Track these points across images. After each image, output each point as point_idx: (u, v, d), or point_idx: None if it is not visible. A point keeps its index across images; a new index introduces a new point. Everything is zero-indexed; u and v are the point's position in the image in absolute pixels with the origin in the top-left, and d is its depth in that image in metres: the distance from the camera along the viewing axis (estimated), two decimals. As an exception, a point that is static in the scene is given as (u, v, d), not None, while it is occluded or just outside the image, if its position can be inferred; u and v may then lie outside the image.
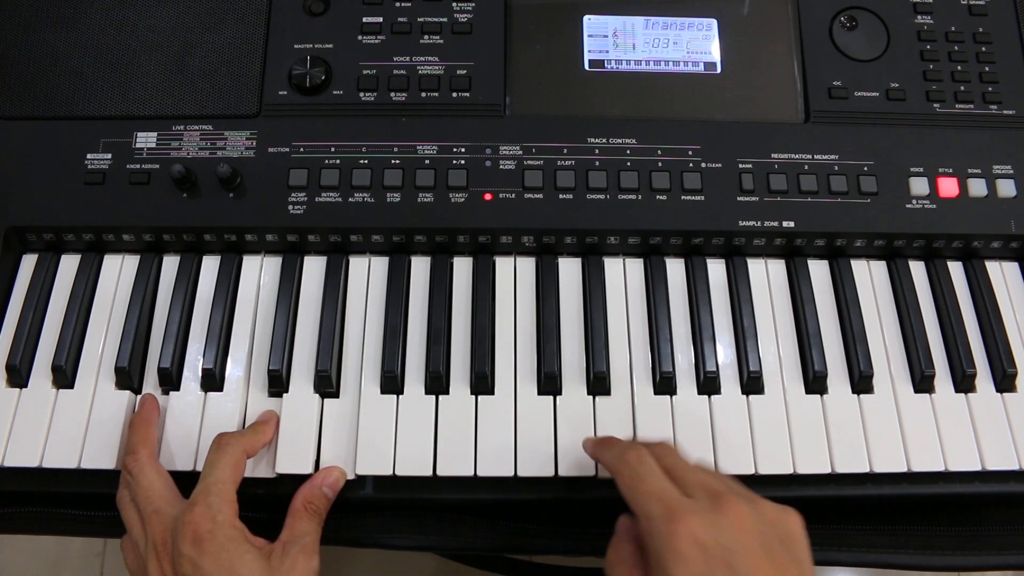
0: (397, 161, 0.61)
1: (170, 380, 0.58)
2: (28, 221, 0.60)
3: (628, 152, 0.62)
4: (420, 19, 0.65)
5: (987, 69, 0.66)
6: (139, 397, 0.58)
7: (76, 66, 0.64)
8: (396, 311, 0.60)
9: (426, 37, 0.65)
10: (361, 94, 0.63)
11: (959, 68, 0.66)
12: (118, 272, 0.62)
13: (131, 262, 0.62)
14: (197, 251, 0.62)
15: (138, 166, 0.62)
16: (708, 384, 0.58)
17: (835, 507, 0.59)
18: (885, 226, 0.61)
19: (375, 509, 0.57)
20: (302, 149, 0.62)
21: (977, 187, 0.62)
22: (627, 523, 0.48)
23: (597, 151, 0.62)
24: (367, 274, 0.62)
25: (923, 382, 0.59)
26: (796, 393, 0.59)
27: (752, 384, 0.58)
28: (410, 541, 0.56)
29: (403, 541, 0.56)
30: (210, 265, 0.62)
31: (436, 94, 0.63)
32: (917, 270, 0.64)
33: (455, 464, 0.55)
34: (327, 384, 0.57)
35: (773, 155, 0.63)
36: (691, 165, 0.62)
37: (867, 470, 0.56)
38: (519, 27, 0.66)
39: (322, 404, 0.57)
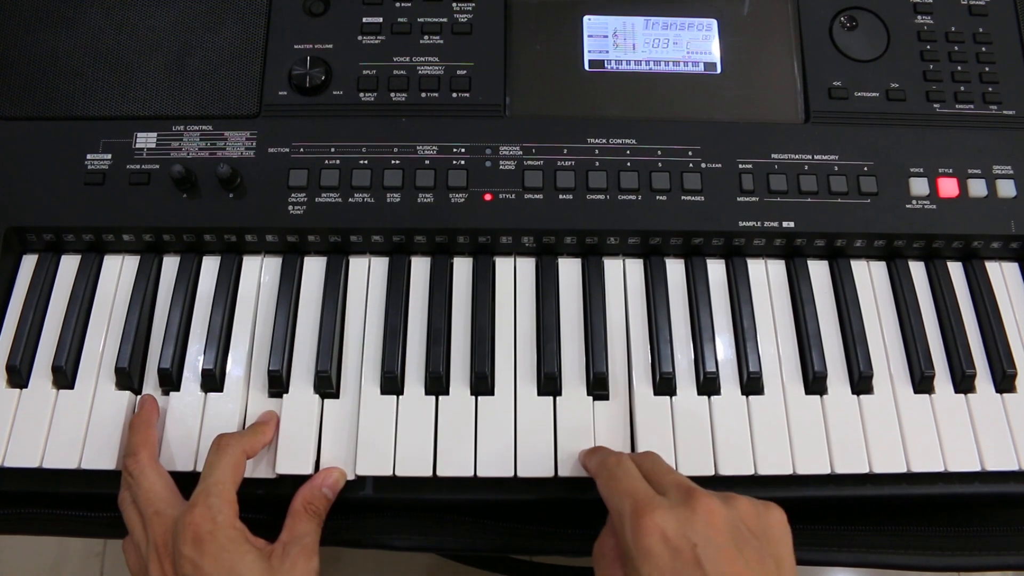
0: (397, 161, 0.61)
1: (170, 381, 0.58)
2: (28, 221, 0.60)
3: (628, 152, 0.62)
4: (420, 19, 0.65)
5: (987, 69, 0.66)
6: (139, 398, 0.58)
7: (76, 66, 0.64)
8: (396, 311, 0.60)
9: (426, 37, 0.65)
10: (361, 94, 0.63)
11: (959, 68, 0.66)
12: (118, 272, 0.62)
13: (131, 262, 0.62)
14: (197, 251, 0.62)
15: (138, 166, 0.62)
16: (708, 385, 0.58)
17: (835, 507, 0.59)
18: (885, 226, 0.61)
19: (375, 510, 0.57)
20: (302, 149, 0.62)
21: (977, 187, 0.62)
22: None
23: (597, 151, 0.62)
24: (367, 274, 0.62)
25: (923, 383, 0.59)
26: (796, 394, 0.59)
27: (752, 385, 0.58)
28: (410, 542, 0.57)
29: (403, 542, 0.56)
30: (210, 265, 0.62)
31: (436, 94, 0.63)
32: (917, 270, 0.64)
33: (455, 465, 0.55)
34: (327, 384, 0.57)
35: (773, 155, 0.63)
36: (691, 165, 0.62)
37: (867, 470, 0.56)
38: (519, 27, 0.66)
39: (322, 405, 0.57)
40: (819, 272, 0.63)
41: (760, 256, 0.63)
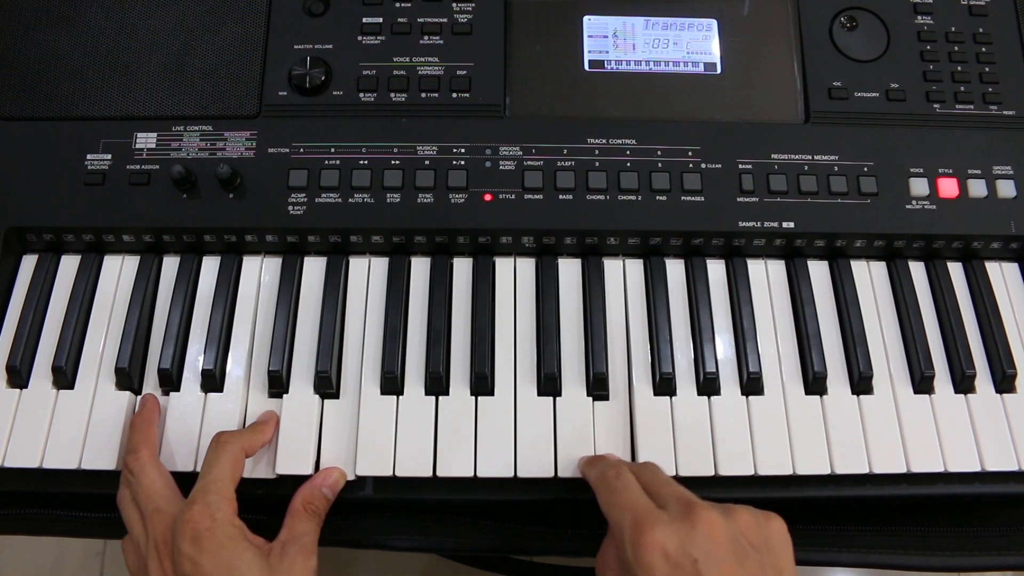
0: (397, 162, 0.61)
1: (170, 381, 0.58)
2: (28, 222, 0.60)
3: (628, 153, 0.62)
4: (420, 19, 0.65)
5: (987, 70, 0.66)
6: (140, 397, 0.58)
7: (76, 66, 0.64)
8: (396, 312, 0.60)
9: (426, 37, 0.65)
10: (361, 95, 0.63)
11: (959, 69, 0.66)
12: (118, 273, 0.62)
13: (131, 263, 0.62)
14: (197, 252, 0.63)
15: (138, 167, 0.62)
16: (708, 385, 0.58)
17: (835, 508, 0.59)
18: (885, 227, 0.61)
19: (375, 510, 0.57)
20: (302, 150, 0.62)
21: (977, 188, 0.62)
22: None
23: (597, 152, 0.62)
24: (367, 275, 0.62)
25: (923, 383, 0.59)
26: (796, 394, 0.59)
27: (752, 385, 0.58)
28: (410, 542, 0.57)
29: (403, 542, 0.57)
30: (210, 266, 0.62)
31: (436, 95, 0.63)
32: (917, 271, 0.64)
33: (455, 465, 0.55)
34: (327, 385, 0.57)
35: (773, 155, 0.63)
36: (691, 166, 0.62)
37: (867, 471, 0.56)
38: (519, 27, 0.66)
39: (322, 405, 0.57)
40: (819, 272, 0.63)
41: (760, 256, 0.63)
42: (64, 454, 0.56)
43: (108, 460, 0.55)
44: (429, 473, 0.55)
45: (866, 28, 0.67)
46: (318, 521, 0.53)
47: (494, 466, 0.55)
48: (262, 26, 0.65)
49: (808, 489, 0.57)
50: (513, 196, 0.61)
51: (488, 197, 0.61)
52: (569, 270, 0.62)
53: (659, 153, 0.62)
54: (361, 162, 0.61)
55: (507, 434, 0.56)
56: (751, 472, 0.56)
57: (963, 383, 0.59)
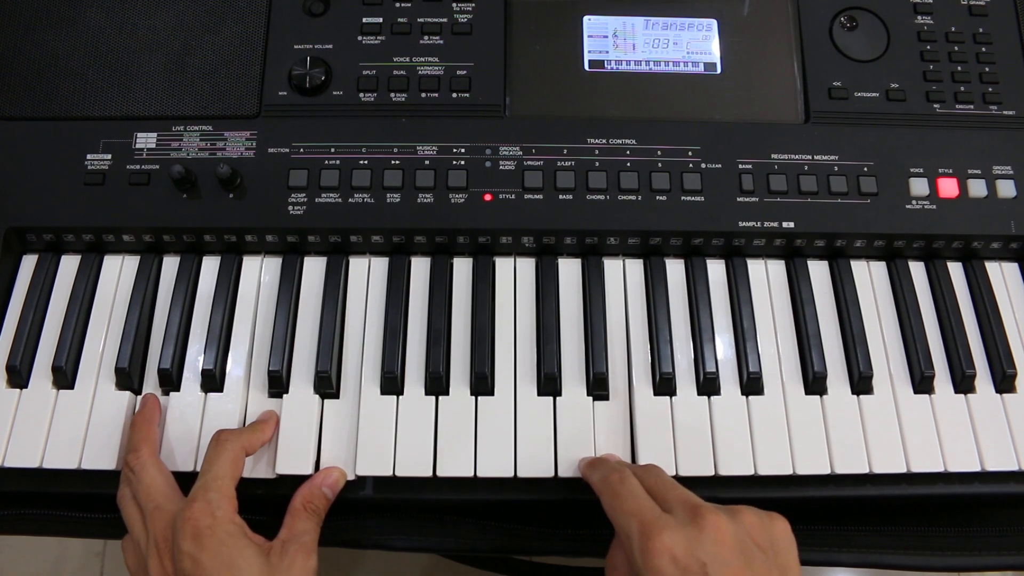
0: (397, 162, 0.61)
1: (170, 381, 0.58)
2: (28, 222, 0.61)
3: (628, 153, 0.62)
4: (420, 19, 0.65)
5: (987, 70, 0.66)
6: (141, 396, 0.58)
7: (76, 66, 0.64)
8: (396, 312, 0.60)
9: (426, 37, 0.65)
10: (361, 95, 0.63)
11: (959, 69, 0.66)
12: (118, 273, 0.62)
13: (131, 263, 0.62)
14: (197, 252, 0.63)
15: (138, 166, 0.62)
16: (708, 385, 0.58)
17: (835, 507, 0.59)
18: (885, 227, 0.61)
19: (375, 510, 0.57)
20: (302, 150, 0.62)
21: (977, 188, 0.62)
22: None
23: (597, 152, 0.62)
24: (367, 275, 0.62)
25: (923, 383, 0.59)
26: (796, 394, 0.59)
27: (752, 385, 0.58)
28: (410, 542, 0.57)
29: (403, 542, 0.57)
30: (210, 266, 0.62)
31: (436, 95, 0.63)
32: (917, 271, 0.64)
33: (455, 465, 0.55)
34: (327, 385, 0.57)
35: (773, 155, 0.63)
36: (691, 166, 0.62)
37: (867, 471, 0.56)
38: (519, 27, 0.66)
39: (322, 405, 0.58)
40: (819, 272, 0.63)
41: (760, 256, 0.63)
42: (64, 454, 0.56)
43: (108, 460, 0.55)
44: (429, 473, 0.55)
45: (866, 28, 0.67)
46: (318, 520, 0.53)
47: (494, 466, 0.55)
48: (262, 26, 0.65)
49: (808, 489, 0.57)
50: (513, 196, 0.61)
51: (488, 197, 0.61)
52: (569, 270, 0.62)
53: (659, 153, 0.62)
54: (361, 162, 0.61)
55: (507, 434, 0.56)
56: (751, 472, 0.56)
57: (963, 383, 0.59)
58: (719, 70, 0.65)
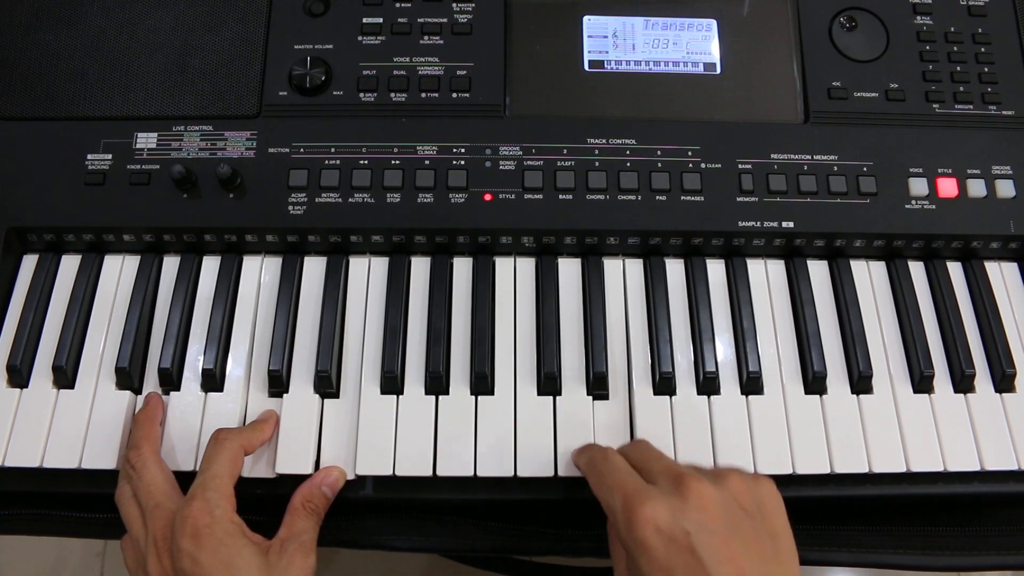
0: (397, 162, 0.62)
1: (170, 380, 0.58)
2: (28, 221, 0.61)
3: (628, 152, 0.62)
4: (420, 19, 0.65)
5: (986, 70, 0.66)
6: (144, 395, 0.58)
7: (76, 66, 0.64)
8: (396, 311, 0.60)
9: (426, 38, 0.65)
10: (361, 95, 0.63)
11: (958, 69, 0.66)
12: (118, 272, 0.62)
13: (131, 262, 0.62)
14: (197, 251, 0.63)
15: (138, 166, 0.62)
16: (707, 384, 0.58)
17: (835, 507, 0.59)
18: (884, 226, 0.61)
19: (375, 510, 0.57)
20: (302, 150, 0.62)
21: (976, 187, 0.63)
22: None
23: (597, 151, 0.62)
24: (367, 274, 0.62)
25: (922, 382, 0.59)
26: (795, 393, 0.59)
27: (751, 384, 0.58)
28: (410, 542, 0.57)
29: (403, 542, 0.57)
30: (210, 265, 0.62)
31: (436, 95, 0.63)
32: (916, 271, 0.64)
33: (455, 464, 0.55)
34: (327, 384, 0.57)
35: (773, 155, 0.63)
36: (691, 165, 0.62)
37: (866, 470, 0.56)
38: (519, 27, 0.66)
39: (322, 404, 0.58)
40: (819, 272, 0.63)
41: (760, 256, 0.63)
42: (64, 453, 0.56)
43: (108, 460, 0.55)
44: (429, 472, 0.55)
45: (865, 28, 0.67)
46: (317, 520, 0.53)
47: (494, 465, 0.55)
48: (262, 26, 0.65)
49: (808, 488, 0.57)
50: (513, 196, 0.61)
51: (488, 197, 0.61)
52: (569, 270, 0.62)
53: (659, 153, 0.62)
54: (361, 162, 0.61)
55: (507, 433, 0.56)
56: (751, 472, 0.56)
57: (962, 382, 0.59)
58: (719, 70, 0.65)
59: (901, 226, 0.62)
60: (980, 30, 0.67)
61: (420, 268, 0.62)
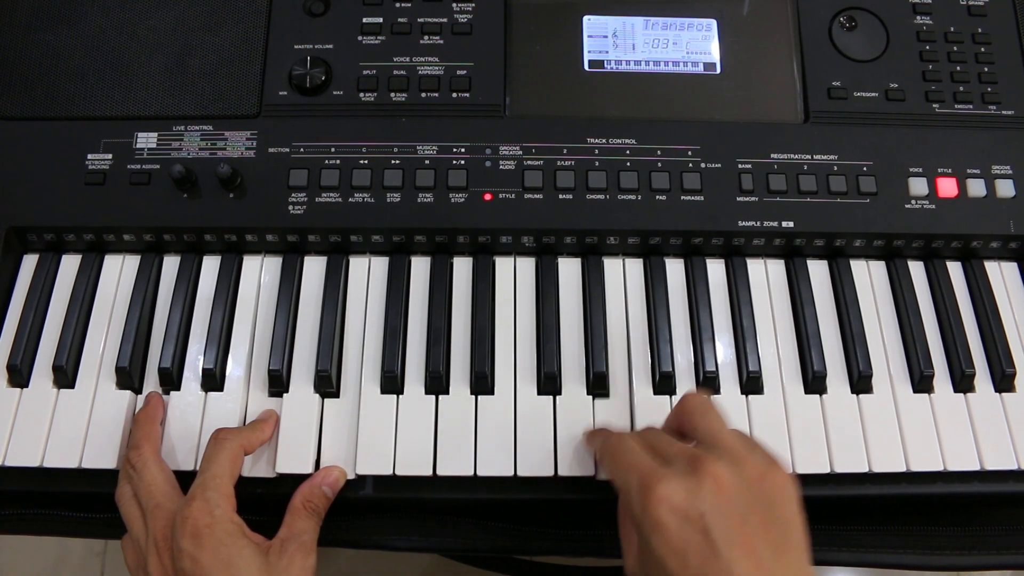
0: (397, 161, 0.62)
1: (170, 380, 0.58)
2: (29, 221, 0.61)
3: (628, 152, 0.62)
4: (420, 19, 0.65)
5: (986, 70, 0.66)
6: (145, 395, 0.58)
7: (76, 66, 0.64)
8: (396, 311, 0.60)
9: (426, 37, 0.65)
10: (361, 94, 0.63)
11: (958, 69, 0.66)
12: (119, 272, 0.62)
13: (131, 262, 0.62)
14: (197, 251, 0.63)
15: (139, 166, 0.62)
16: (707, 384, 0.58)
17: (834, 507, 0.59)
18: (884, 226, 0.61)
19: (375, 510, 0.58)
20: (302, 149, 0.62)
21: (976, 187, 0.63)
22: None
23: (597, 151, 0.62)
24: (367, 274, 0.62)
25: (922, 382, 0.59)
26: (795, 393, 0.59)
27: (751, 384, 0.58)
28: (410, 542, 0.57)
29: (403, 542, 0.57)
30: (210, 265, 0.62)
31: (436, 94, 0.63)
32: (916, 270, 0.64)
33: (455, 464, 0.55)
34: (327, 384, 0.57)
35: (772, 155, 0.63)
36: (691, 165, 0.62)
37: (866, 470, 0.56)
38: (519, 27, 0.66)
39: (322, 404, 0.58)
40: (818, 272, 0.63)
41: (759, 256, 0.64)
42: (65, 453, 0.56)
43: (108, 459, 0.55)
44: (429, 472, 0.55)
45: (865, 28, 0.67)
46: (318, 519, 0.53)
47: (494, 465, 0.55)
48: (262, 26, 0.65)
49: (808, 488, 0.56)
50: (513, 196, 0.61)
51: (488, 197, 0.61)
52: (569, 269, 0.62)
53: (659, 153, 0.62)
54: (361, 162, 0.61)
55: (507, 433, 0.56)
56: (751, 471, 0.56)
57: (962, 382, 0.59)
58: (719, 70, 0.65)
59: (901, 226, 0.62)
60: (980, 30, 0.67)
61: (420, 268, 0.62)
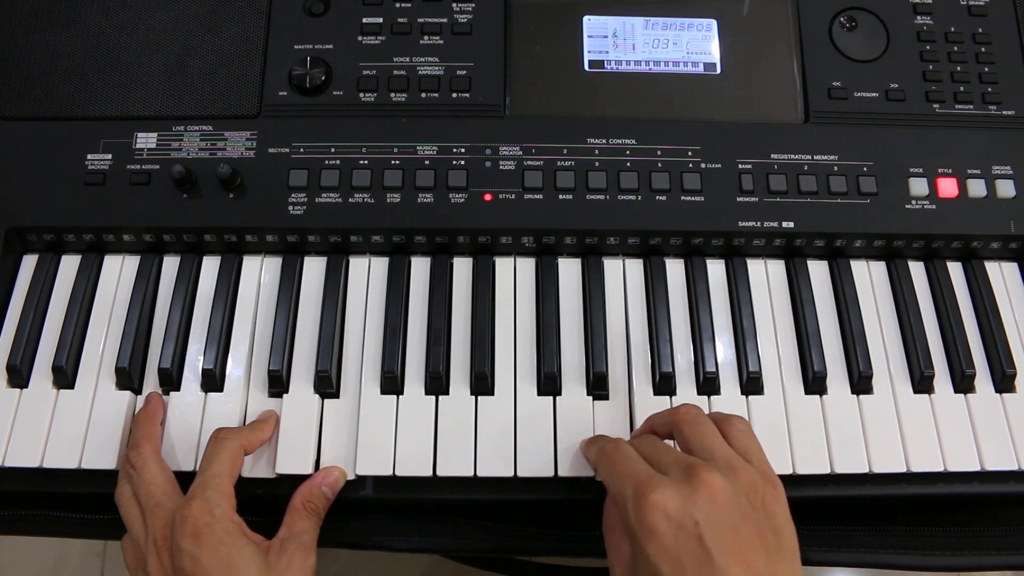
0: (397, 162, 0.62)
1: (170, 380, 0.58)
2: (28, 221, 0.61)
3: (628, 153, 0.62)
4: (420, 19, 0.65)
5: (986, 70, 0.66)
6: (145, 395, 0.58)
7: (76, 66, 0.64)
8: (396, 311, 0.60)
9: (426, 38, 0.65)
10: (361, 95, 0.63)
11: (958, 69, 0.66)
12: (118, 272, 0.62)
13: (131, 262, 0.62)
14: (197, 251, 0.63)
15: (138, 166, 0.62)
16: (707, 384, 0.58)
17: (835, 507, 0.59)
18: (884, 226, 0.61)
19: (375, 511, 0.57)
20: (302, 150, 0.62)
21: (976, 187, 0.63)
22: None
23: (597, 151, 0.62)
24: (367, 274, 0.62)
25: (922, 382, 0.59)
26: (795, 393, 0.59)
27: (751, 384, 0.58)
28: (410, 543, 0.57)
29: (403, 543, 0.57)
30: (210, 265, 0.62)
31: (436, 95, 0.63)
32: (916, 271, 0.64)
33: (455, 464, 0.55)
34: (327, 384, 0.57)
35: (773, 155, 0.63)
36: (691, 165, 0.62)
37: (866, 470, 0.56)
38: (519, 27, 0.66)
39: (322, 404, 0.58)
40: (819, 272, 0.63)
41: (760, 256, 0.63)
42: (64, 453, 0.56)
43: (108, 459, 0.55)
44: (429, 472, 0.55)
45: (866, 28, 0.67)
46: (317, 520, 0.53)
47: (494, 465, 0.55)
48: (262, 26, 0.65)
49: (808, 489, 0.57)
50: (513, 196, 0.61)
51: (488, 197, 0.61)
52: (569, 270, 0.62)
53: (659, 153, 0.62)
54: (361, 162, 0.61)
55: (507, 433, 0.56)
56: (751, 472, 0.56)
57: (963, 383, 0.59)
58: (719, 70, 0.65)
59: (901, 226, 0.62)
60: (980, 30, 0.67)
61: (420, 268, 0.62)
